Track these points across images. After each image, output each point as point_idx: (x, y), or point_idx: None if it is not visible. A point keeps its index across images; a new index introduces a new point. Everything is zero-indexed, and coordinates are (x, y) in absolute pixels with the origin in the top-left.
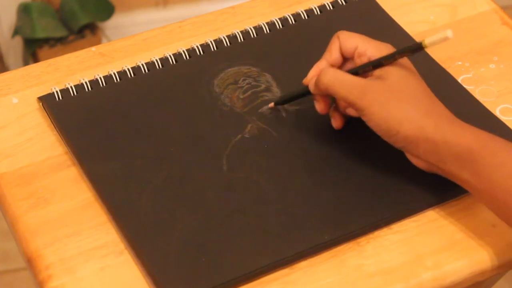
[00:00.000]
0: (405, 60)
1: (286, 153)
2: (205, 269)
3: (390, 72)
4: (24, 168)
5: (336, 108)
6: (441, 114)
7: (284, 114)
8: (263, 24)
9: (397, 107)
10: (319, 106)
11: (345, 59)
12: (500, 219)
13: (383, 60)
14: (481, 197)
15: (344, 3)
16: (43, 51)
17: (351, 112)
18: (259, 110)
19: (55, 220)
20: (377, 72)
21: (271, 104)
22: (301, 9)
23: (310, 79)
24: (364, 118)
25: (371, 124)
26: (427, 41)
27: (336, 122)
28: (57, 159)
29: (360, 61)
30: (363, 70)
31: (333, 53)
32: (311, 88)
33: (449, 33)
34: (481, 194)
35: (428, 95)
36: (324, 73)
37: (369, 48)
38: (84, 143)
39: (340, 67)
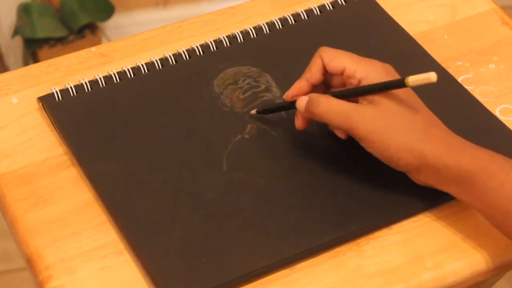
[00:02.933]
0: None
1: (286, 153)
2: (205, 269)
3: (383, 97)
4: (24, 168)
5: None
6: (438, 137)
7: (284, 115)
8: (263, 24)
9: (394, 136)
10: (298, 123)
11: (330, 74)
12: (506, 237)
13: (370, 90)
14: (484, 216)
15: (344, 3)
16: (43, 51)
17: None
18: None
19: (55, 220)
20: (370, 96)
21: (253, 111)
22: (301, 9)
23: (290, 97)
24: (363, 145)
25: (370, 150)
26: (410, 81)
27: (299, 122)
28: (57, 159)
29: (349, 82)
30: (352, 93)
31: (314, 73)
32: (301, 111)
33: (432, 76)
34: (484, 214)
35: (423, 117)
36: (317, 104)
37: (358, 70)
38: (84, 143)
39: (326, 82)
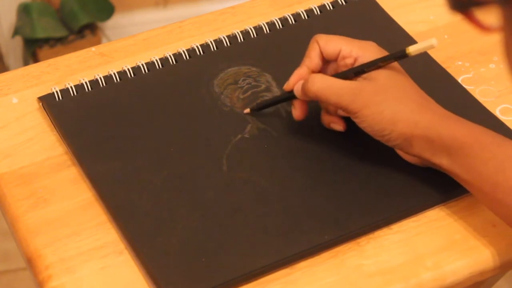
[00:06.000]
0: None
1: (286, 153)
2: (205, 269)
3: (377, 72)
4: (24, 168)
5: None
6: (433, 110)
7: (284, 114)
8: (263, 24)
9: (390, 107)
10: (296, 113)
11: (325, 62)
12: (491, 212)
13: (366, 67)
14: (472, 190)
15: (344, 3)
16: (43, 51)
17: (341, 113)
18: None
19: (55, 220)
20: (364, 74)
21: (247, 110)
22: (301, 9)
23: (291, 85)
24: (356, 120)
25: (364, 125)
26: (411, 49)
27: (296, 111)
28: (57, 159)
29: (344, 63)
30: (347, 75)
31: (313, 58)
32: (298, 94)
33: (433, 41)
34: (472, 188)
35: (418, 92)
36: (312, 81)
37: (353, 49)
38: (84, 143)
39: (321, 71)
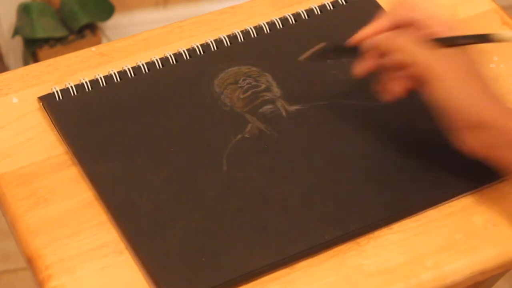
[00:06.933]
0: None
1: (286, 153)
2: (205, 269)
3: (461, 53)
4: (24, 168)
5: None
6: (501, 103)
7: (284, 114)
8: (263, 24)
9: (474, 90)
10: (366, 65)
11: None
12: None
13: (461, 39)
14: None
15: (344, 3)
16: (43, 51)
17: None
18: (259, 110)
19: (55, 220)
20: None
21: (306, 56)
22: (301, 9)
23: (364, 36)
24: (432, 89)
25: (438, 97)
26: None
27: (365, 64)
28: (57, 159)
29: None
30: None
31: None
32: (370, 46)
33: None
34: None
35: (490, 87)
36: (397, 34)
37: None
38: (84, 143)
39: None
